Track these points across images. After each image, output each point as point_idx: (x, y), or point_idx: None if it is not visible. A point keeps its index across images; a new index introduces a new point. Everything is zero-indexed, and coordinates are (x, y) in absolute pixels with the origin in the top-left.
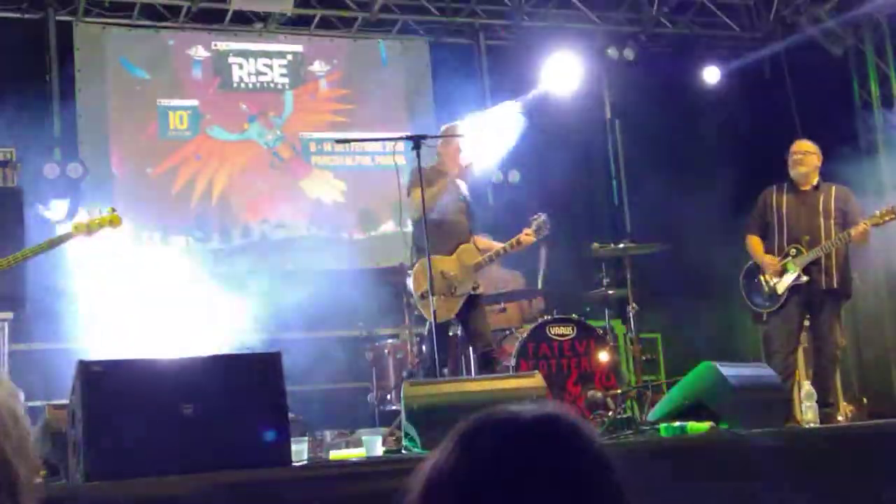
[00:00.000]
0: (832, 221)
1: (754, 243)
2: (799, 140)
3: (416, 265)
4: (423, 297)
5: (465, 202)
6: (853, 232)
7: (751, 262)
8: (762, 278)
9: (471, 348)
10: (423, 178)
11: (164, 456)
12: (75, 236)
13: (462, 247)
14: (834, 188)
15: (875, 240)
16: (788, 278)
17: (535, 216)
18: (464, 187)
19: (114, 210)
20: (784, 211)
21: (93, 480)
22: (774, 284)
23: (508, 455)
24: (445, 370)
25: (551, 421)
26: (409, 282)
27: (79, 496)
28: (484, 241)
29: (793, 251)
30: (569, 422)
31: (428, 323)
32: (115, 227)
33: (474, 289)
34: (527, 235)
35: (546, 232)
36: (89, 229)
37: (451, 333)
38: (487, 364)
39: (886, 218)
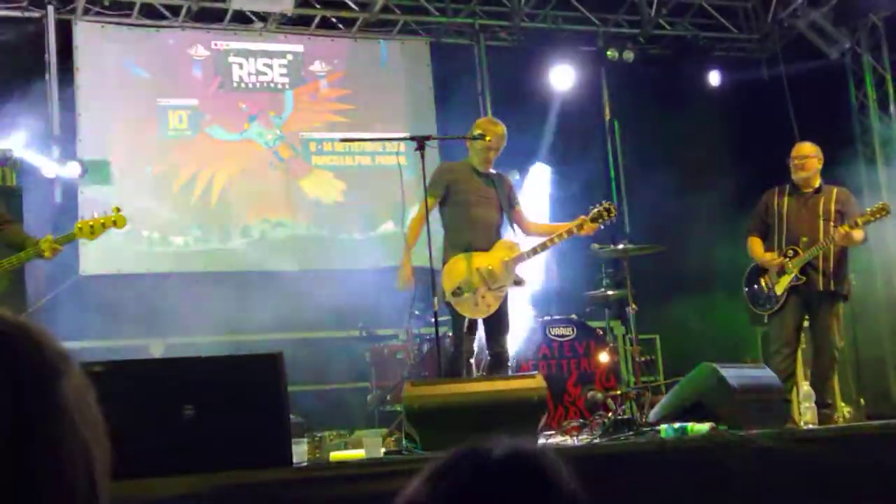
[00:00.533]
0: (830, 224)
1: (755, 244)
2: (799, 143)
3: (445, 264)
4: (454, 294)
5: (501, 197)
6: (836, 235)
7: (752, 266)
8: (762, 280)
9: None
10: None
11: (164, 456)
12: (78, 238)
13: (500, 242)
14: (835, 190)
15: (873, 241)
16: (786, 279)
17: (601, 202)
18: (501, 182)
19: (119, 210)
20: (784, 213)
21: None
22: (773, 285)
23: (477, 495)
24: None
25: (523, 460)
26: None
27: None
28: (546, 226)
29: (790, 252)
30: (541, 462)
31: (453, 318)
32: (120, 228)
33: (516, 283)
34: (584, 223)
35: (609, 220)
36: (93, 231)
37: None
38: (499, 366)
39: (874, 217)
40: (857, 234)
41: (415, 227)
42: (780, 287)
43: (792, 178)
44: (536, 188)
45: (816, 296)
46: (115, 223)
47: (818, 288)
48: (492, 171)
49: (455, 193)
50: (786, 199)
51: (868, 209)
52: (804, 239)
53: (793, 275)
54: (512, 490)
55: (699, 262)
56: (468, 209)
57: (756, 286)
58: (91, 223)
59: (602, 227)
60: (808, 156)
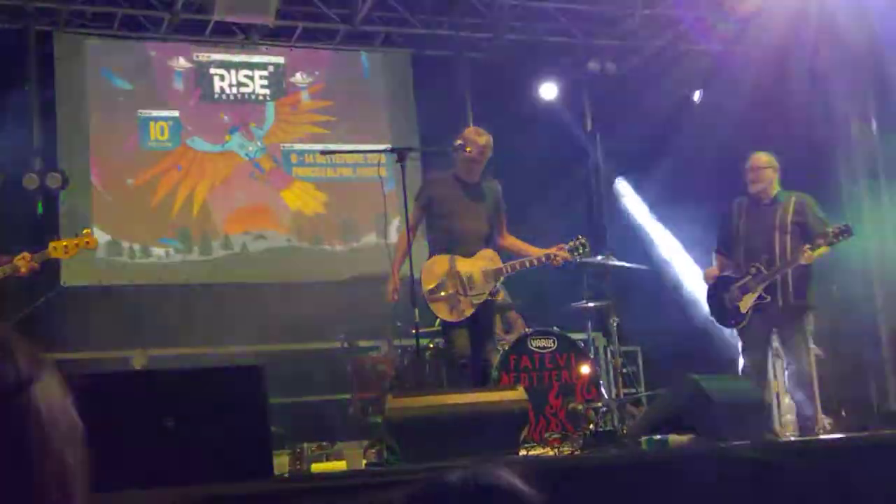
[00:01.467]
0: (788, 237)
1: (715, 263)
2: (753, 154)
3: (425, 263)
4: (431, 292)
5: (488, 207)
6: (801, 258)
7: (712, 283)
8: (724, 297)
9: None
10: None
11: (145, 468)
12: (52, 256)
13: (482, 252)
14: (793, 199)
15: (852, 250)
16: (750, 297)
17: (578, 237)
18: (488, 191)
19: (90, 232)
20: (742, 227)
21: None
22: (737, 302)
23: None
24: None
25: (483, 486)
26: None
27: None
28: (520, 244)
29: (753, 270)
30: (501, 485)
31: (439, 321)
32: (92, 249)
33: (492, 294)
34: (560, 252)
35: (583, 257)
36: (66, 250)
37: (431, 345)
38: (480, 380)
39: (837, 240)
40: (819, 254)
41: (402, 239)
42: (744, 305)
43: (748, 190)
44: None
45: (779, 312)
46: (87, 244)
47: (780, 303)
48: (479, 180)
49: (439, 205)
50: (744, 211)
51: (830, 230)
52: (764, 257)
53: (757, 294)
54: None
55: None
56: (453, 221)
57: (719, 302)
58: (65, 243)
59: (573, 261)
60: (761, 167)
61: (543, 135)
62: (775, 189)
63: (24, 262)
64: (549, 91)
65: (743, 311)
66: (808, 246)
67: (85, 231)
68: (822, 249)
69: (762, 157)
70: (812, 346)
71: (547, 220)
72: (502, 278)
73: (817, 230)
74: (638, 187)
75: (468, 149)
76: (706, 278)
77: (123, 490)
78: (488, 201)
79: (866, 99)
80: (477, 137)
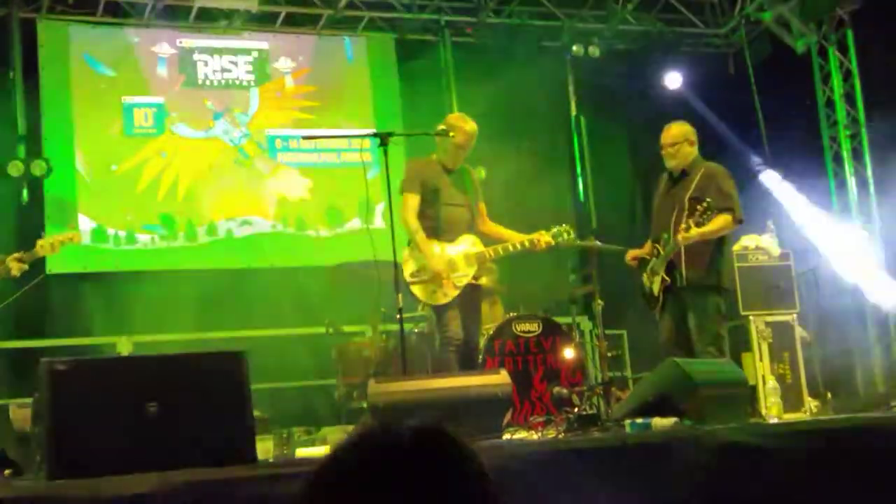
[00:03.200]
0: (685, 214)
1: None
2: (667, 127)
3: (406, 249)
4: (412, 276)
5: (469, 192)
6: (678, 238)
7: (633, 262)
8: (643, 277)
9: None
10: (419, 178)
11: (128, 454)
12: (40, 255)
13: (464, 236)
14: (700, 173)
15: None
16: (657, 280)
17: (561, 225)
18: (470, 178)
19: (74, 226)
20: (656, 204)
21: (56, 479)
22: (651, 285)
23: (382, 471)
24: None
25: (430, 438)
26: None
27: (42, 495)
28: (501, 230)
29: (655, 252)
30: (449, 439)
31: (422, 305)
32: (76, 243)
33: (475, 278)
34: (542, 237)
35: (567, 243)
36: (53, 247)
37: (416, 330)
38: (468, 364)
39: (702, 220)
40: (694, 234)
41: (412, 225)
42: (655, 287)
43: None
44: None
45: (683, 292)
46: (71, 239)
47: (678, 284)
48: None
49: (426, 192)
50: (662, 188)
51: (700, 207)
52: (665, 235)
53: (660, 276)
54: (420, 469)
55: None
56: (438, 207)
57: (642, 287)
58: (51, 241)
59: (555, 246)
60: (675, 143)
61: (528, 119)
62: (690, 160)
63: (15, 263)
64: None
65: (655, 294)
66: (683, 225)
67: (69, 227)
68: (694, 232)
69: (672, 130)
70: (718, 329)
71: (533, 205)
72: (485, 262)
73: (722, 202)
74: None
75: (451, 134)
76: (627, 260)
77: (105, 475)
78: (470, 188)
79: None
80: (463, 124)
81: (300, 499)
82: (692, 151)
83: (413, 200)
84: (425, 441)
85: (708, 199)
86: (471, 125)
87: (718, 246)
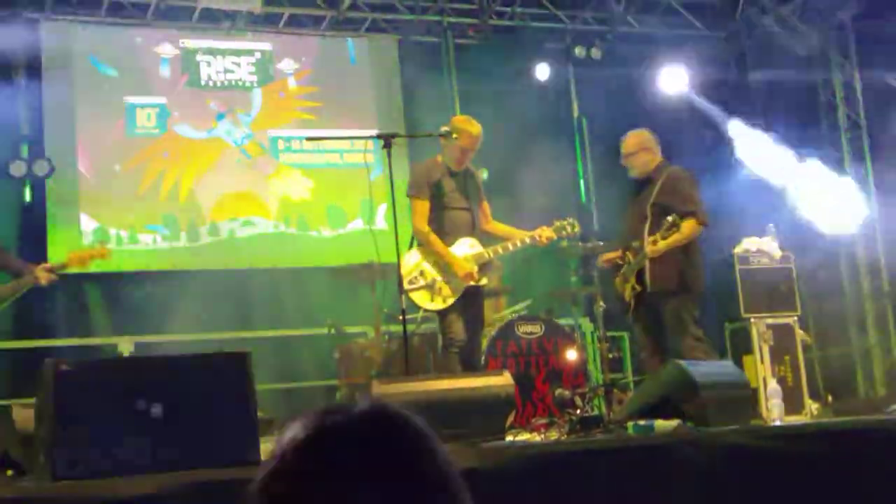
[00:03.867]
0: (648, 223)
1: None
2: (622, 140)
3: (405, 254)
4: (410, 282)
5: (471, 194)
6: (647, 249)
7: (606, 266)
8: (616, 282)
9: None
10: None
11: (132, 455)
12: (69, 268)
13: (463, 238)
14: (662, 179)
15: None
16: (628, 287)
17: (565, 219)
18: (473, 180)
19: (104, 242)
20: (627, 210)
21: (60, 480)
22: (623, 290)
23: (337, 454)
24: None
25: (379, 416)
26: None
27: (46, 496)
28: (505, 228)
29: (627, 258)
30: (398, 416)
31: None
32: (106, 258)
33: (475, 281)
34: (545, 232)
35: (571, 237)
36: (82, 262)
37: (418, 331)
38: (470, 365)
39: (667, 234)
40: (662, 246)
41: (424, 230)
42: (627, 293)
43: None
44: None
45: (651, 298)
46: (102, 255)
47: (648, 290)
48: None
49: (435, 197)
50: (630, 194)
51: (667, 220)
52: (634, 243)
53: (631, 283)
54: (372, 447)
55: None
56: (444, 210)
57: (615, 291)
58: (80, 254)
59: (557, 241)
60: (630, 154)
61: (530, 121)
62: (652, 167)
63: (44, 273)
64: (542, 72)
65: (627, 298)
66: (651, 238)
67: (100, 242)
68: (661, 245)
69: (629, 142)
70: (693, 332)
71: (534, 207)
72: (486, 263)
73: (682, 206)
74: None
75: (454, 135)
76: (599, 263)
77: (109, 476)
78: (474, 189)
79: None
80: (469, 127)
81: (257, 494)
82: (652, 158)
83: (423, 206)
84: (375, 422)
85: (672, 216)
86: (476, 128)
87: (685, 251)
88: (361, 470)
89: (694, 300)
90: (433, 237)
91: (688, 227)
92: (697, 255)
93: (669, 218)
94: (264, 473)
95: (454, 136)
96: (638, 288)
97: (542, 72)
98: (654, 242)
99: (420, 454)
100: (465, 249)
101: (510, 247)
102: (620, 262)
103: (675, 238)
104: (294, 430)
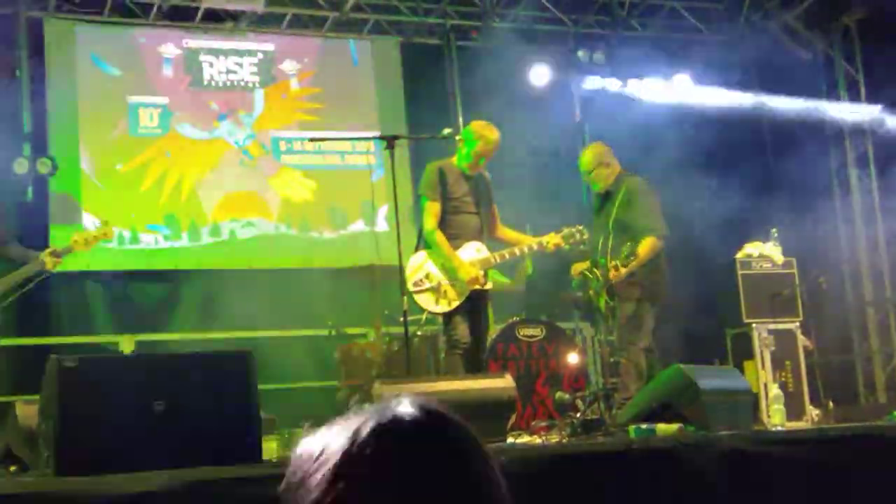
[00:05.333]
0: (610, 238)
1: None
2: (580, 157)
3: (411, 257)
4: (415, 285)
5: (479, 199)
6: (610, 275)
7: (578, 278)
8: (590, 292)
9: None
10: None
11: (135, 452)
12: (75, 250)
13: (470, 242)
14: (621, 193)
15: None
16: (602, 301)
17: (574, 226)
18: (485, 184)
19: (107, 223)
20: (593, 224)
21: (64, 476)
22: (597, 303)
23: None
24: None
25: (436, 422)
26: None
27: (49, 492)
28: (515, 234)
29: (595, 275)
30: (455, 424)
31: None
32: (109, 240)
33: (480, 284)
34: (552, 238)
35: (579, 245)
36: (87, 242)
37: (419, 333)
38: (476, 367)
39: (626, 263)
40: (624, 273)
41: (433, 231)
42: (601, 305)
43: None
44: None
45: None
46: (105, 235)
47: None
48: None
49: (444, 199)
50: (594, 210)
51: (624, 250)
52: (601, 260)
53: (603, 298)
54: (429, 455)
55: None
56: (454, 215)
57: (590, 298)
58: (85, 236)
59: (564, 248)
60: (589, 169)
61: (532, 123)
62: (612, 180)
63: (49, 258)
64: (540, 76)
65: (603, 311)
66: (613, 263)
67: (104, 221)
68: (623, 271)
69: (584, 158)
70: (642, 339)
71: (538, 210)
72: (489, 268)
73: (640, 220)
74: None
75: (458, 137)
76: (572, 273)
77: (112, 472)
78: (485, 194)
79: None
80: (488, 132)
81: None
82: (610, 171)
83: (434, 207)
84: (430, 426)
85: (628, 244)
86: (495, 133)
87: (645, 264)
88: (416, 481)
89: (652, 307)
90: (441, 238)
91: (645, 247)
92: (660, 266)
93: (625, 248)
94: (310, 480)
95: (458, 137)
96: (611, 303)
97: (544, 75)
98: (616, 268)
99: (478, 471)
100: (471, 253)
101: (516, 252)
102: (590, 276)
103: (634, 264)
104: (349, 433)
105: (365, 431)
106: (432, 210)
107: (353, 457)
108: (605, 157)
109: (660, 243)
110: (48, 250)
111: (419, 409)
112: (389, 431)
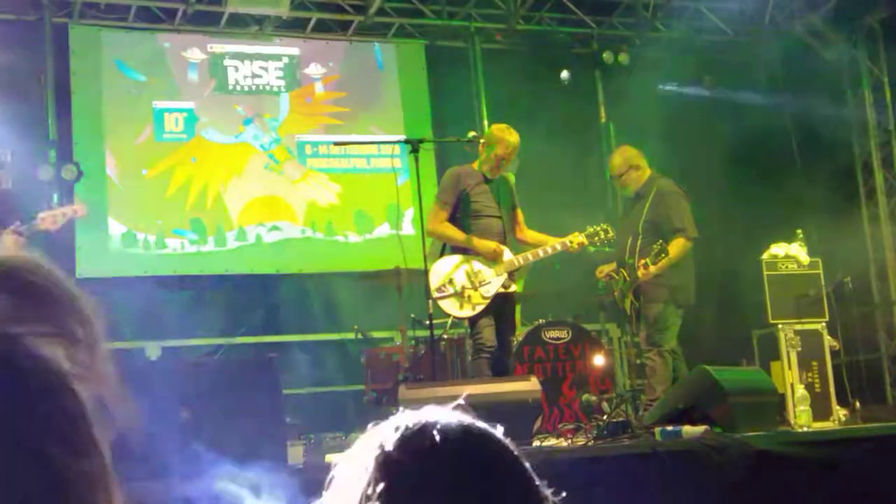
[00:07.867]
0: (639, 240)
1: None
2: (609, 160)
3: (435, 262)
4: (439, 290)
5: (504, 202)
6: (639, 274)
7: (604, 279)
8: (615, 294)
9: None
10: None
11: (161, 458)
12: (41, 228)
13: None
14: (652, 194)
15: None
16: (627, 302)
17: (599, 225)
18: (507, 187)
19: (78, 200)
20: (620, 226)
21: None
22: (623, 305)
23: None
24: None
25: (476, 440)
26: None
27: None
28: (539, 236)
29: (622, 276)
30: (494, 440)
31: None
32: (81, 216)
33: (505, 287)
34: (576, 238)
35: (604, 244)
36: (55, 221)
37: (445, 336)
38: (502, 371)
39: (657, 260)
40: (653, 271)
41: (441, 231)
42: (627, 307)
43: None
44: None
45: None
46: (75, 212)
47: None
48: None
49: (465, 203)
50: (623, 211)
51: (654, 248)
52: (629, 260)
53: (629, 299)
54: (469, 471)
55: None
56: (477, 218)
57: (615, 300)
58: (53, 213)
59: (593, 246)
60: (617, 175)
61: (557, 125)
62: (642, 182)
63: (11, 238)
64: (564, 78)
65: (628, 312)
66: (642, 262)
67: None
68: (652, 269)
69: (614, 162)
70: (668, 340)
71: (563, 211)
72: (514, 271)
73: (668, 227)
74: None
75: (481, 140)
76: (597, 275)
77: (137, 480)
78: (507, 197)
79: None
80: (508, 136)
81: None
82: (640, 175)
83: (442, 214)
84: (471, 442)
85: (659, 242)
86: (515, 137)
87: (674, 266)
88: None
89: (678, 309)
90: (447, 226)
91: (676, 247)
92: (687, 268)
93: (656, 246)
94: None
95: (481, 140)
96: (636, 304)
97: (569, 77)
98: (646, 267)
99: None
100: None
101: (540, 253)
102: (616, 277)
103: (664, 262)
104: (384, 446)
105: (403, 450)
106: (437, 213)
107: (393, 480)
108: (635, 160)
109: (690, 244)
110: (9, 228)
111: (460, 428)
112: (432, 454)
